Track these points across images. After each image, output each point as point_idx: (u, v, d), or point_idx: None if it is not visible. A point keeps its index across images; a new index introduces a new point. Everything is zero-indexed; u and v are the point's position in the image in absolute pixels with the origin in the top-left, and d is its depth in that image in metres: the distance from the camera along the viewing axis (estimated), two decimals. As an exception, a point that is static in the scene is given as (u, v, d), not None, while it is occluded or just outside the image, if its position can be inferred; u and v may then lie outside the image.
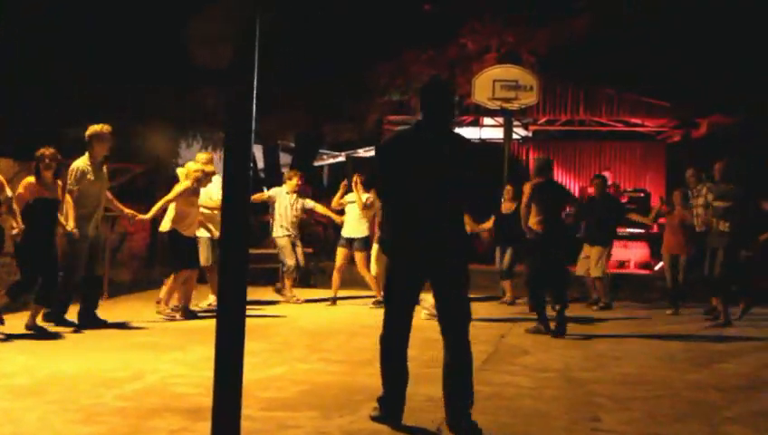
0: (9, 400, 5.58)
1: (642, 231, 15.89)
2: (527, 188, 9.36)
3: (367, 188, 11.60)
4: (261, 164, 19.92)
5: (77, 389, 5.98)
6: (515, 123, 18.50)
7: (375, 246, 11.64)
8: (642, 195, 18.05)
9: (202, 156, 10.74)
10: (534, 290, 9.45)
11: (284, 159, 21.29)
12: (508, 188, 12.51)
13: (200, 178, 9.91)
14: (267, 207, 12.33)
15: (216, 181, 10.47)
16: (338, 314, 10.95)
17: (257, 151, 19.20)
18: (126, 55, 13.18)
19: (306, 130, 18.82)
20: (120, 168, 12.79)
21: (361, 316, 10.61)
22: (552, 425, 5.38)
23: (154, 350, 7.68)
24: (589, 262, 11.96)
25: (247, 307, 3.66)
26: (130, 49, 13.17)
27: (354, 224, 11.71)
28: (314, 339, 8.65)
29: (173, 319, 9.71)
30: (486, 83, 14.76)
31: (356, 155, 22.56)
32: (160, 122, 14.97)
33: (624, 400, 6.14)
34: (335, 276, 11.78)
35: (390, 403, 5.21)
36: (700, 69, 17.00)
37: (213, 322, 3.55)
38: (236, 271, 3.47)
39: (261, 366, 6.79)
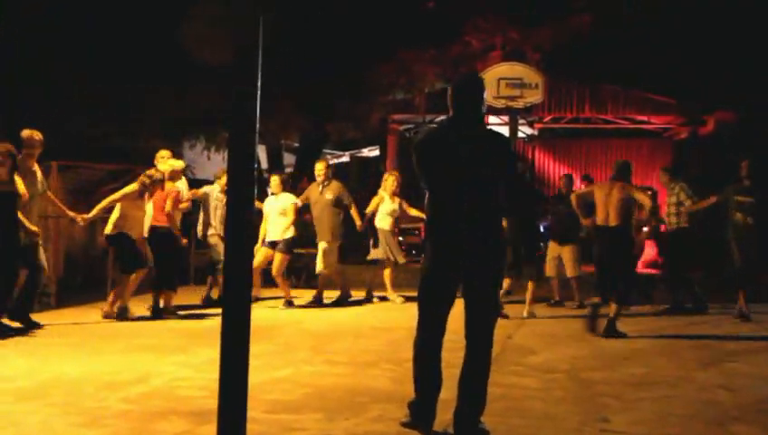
0: (11, 403, 5.54)
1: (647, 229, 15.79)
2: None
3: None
4: (264, 164, 19.87)
5: (80, 392, 5.94)
6: (521, 121, 18.46)
7: (322, 245, 11.64)
8: (650, 193, 17.92)
9: (165, 153, 10.83)
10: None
11: (288, 159, 21.25)
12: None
13: (146, 183, 9.92)
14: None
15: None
16: (342, 315, 10.90)
17: (261, 152, 19.16)
18: (127, 55, 13.15)
19: (309, 130, 18.77)
20: (122, 169, 12.75)
21: (366, 318, 10.58)
22: (561, 427, 5.32)
23: (158, 352, 7.64)
24: (556, 262, 12.02)
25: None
26: (131, 49, 13.13)
27: (276, 226, 11.50)
28: (319, 341, 8.59)
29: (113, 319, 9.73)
30: (491, 81, 14.69)
31: (360, 155, 22.53)
32: (162, 123, 14.94)
33: (633, 400, 6.08)
34: (256, 278, 11.42)
35: (422, 409, 5.09)
36: (707, 65, 16.94)
37: (216, 323, 3.52)
38: (240, 273, 3.43)
39: (265, 368, 6.74)
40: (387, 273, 12.30)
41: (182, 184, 10.97)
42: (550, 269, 12.06)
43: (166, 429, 5.02)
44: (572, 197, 10.47)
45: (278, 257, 11.45)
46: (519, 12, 16.49)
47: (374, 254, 12.47)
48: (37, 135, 9.01)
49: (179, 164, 10.69)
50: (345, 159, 23.15)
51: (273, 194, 11.78)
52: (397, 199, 12.27)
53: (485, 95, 5.24)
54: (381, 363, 7.32)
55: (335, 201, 11.77)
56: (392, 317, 10.60)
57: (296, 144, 20.91)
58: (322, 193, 11.83)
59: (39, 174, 9.15)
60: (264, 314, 10.39)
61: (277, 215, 11.49)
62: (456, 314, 5.11)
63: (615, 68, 17.89)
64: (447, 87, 5.36)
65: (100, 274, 11.89)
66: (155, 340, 8.38)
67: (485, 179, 4.99)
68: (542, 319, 10.53)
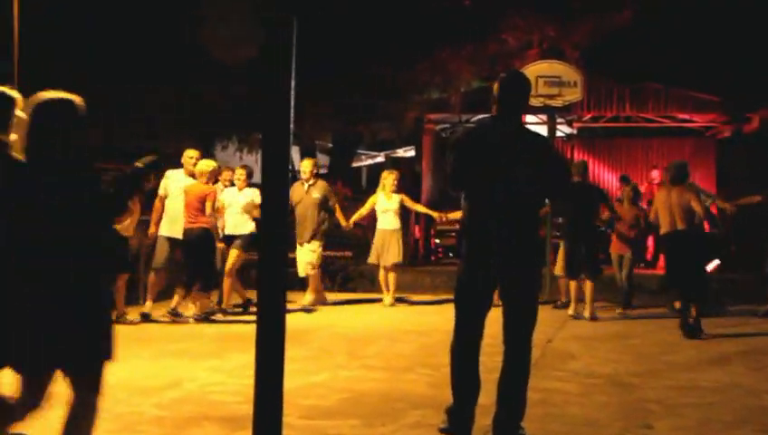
0: (46, 408, 5.49)
1: None
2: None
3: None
4: (298, 165, 19.88)
5: (114, 397, 5.87)
6: (559, 120, 18.20)
7: (307, 247, 11.48)
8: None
9: (194, 153, 10.59)
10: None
11: (322, 159, 21.25)
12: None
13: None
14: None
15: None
16: (376, 319, 10.81)
17: (294, 153, 19.18)
18: (158, 56, 13.17)
19: (343, 131, 18.75)
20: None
21: (402, 322, 10.47)
22: (602, 433, 5.21)
23: (191, 357, 7.60)
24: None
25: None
26: (164, 50, 13.16)
27: (236, 220, 11.00)
28: (354, 345, 8.51)
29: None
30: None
31: (395, 155, 22.45)
32: (193, 124, 14.98)
33: (676, 406, 5.93)
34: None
35: (460, 415, 4.98)
36: (751, 61, 16.65)
37: (249, 328, 3.44)
38: (276, 276, 3.35)
39: (300, 373, 6.63)
40: (381, 275, 12.09)
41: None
42: (560, 269, 11.62)
43: (200, 435, 4.96)
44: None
45: (234, 254, 10.76)
46: (557, 8, 16.30)
47: (370, 258, 12.21)
48: None
49: (214, 165, 10.53)
50: (380, 159, 23.08)
51: (236, 187, 11.26)
52: (396, 197, 12.04)
53: (529, 93, 5.13)
54: (418, 368, 7.22)
55: (321, 201, 11.60)
56: (427, 321, 10.49)
57: (330, 145, 20.90)
58: (308, 192, 11.60)
59: None
60: (298, 318, 10.33)
61: (239, 209, 10.95)
62: (494, 317, 5.01)
63: (656, 65, 17.61)
64: (483, 86, 5.28)
65: (132, 276, 11.77)
66: (187, 345, 8.34)
67: (526, 181, 4.87)
68: (584, 322, 10.35)
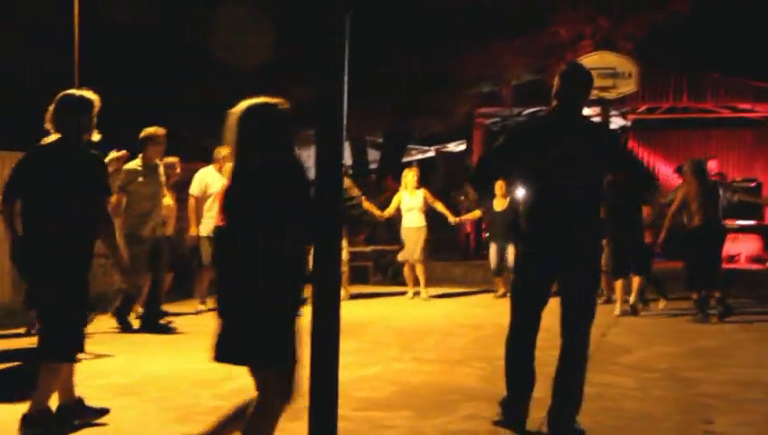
0: (108, 398, 5.63)
1: (754, 223, 15.29)
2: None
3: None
4: (349, 161, 19.94)
5: (173, 388, 6.02)
6: (613, 112, 18.02)
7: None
8: (754, 184, 17.22)
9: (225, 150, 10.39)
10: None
11: (373, 155, 21.28)
12: (500, 183, 12.21)
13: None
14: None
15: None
16: (429, 313, 10.83)
17: (345, 148, 19.26)
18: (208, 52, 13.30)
19: (394, 126, 18.74)
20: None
21: (455, 315, 10.49)
22: (659, 427, 5.17)
23: (247, 349, 7.67)
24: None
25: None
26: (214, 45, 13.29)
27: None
28: (407, 338, 8.55)
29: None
30: (582, 72, 14.39)
31: (445, 149, 22.39)
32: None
33: (738, 401, 5.85)
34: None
35: (514, 407, 5.00)
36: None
37: (303, 322, 3.49)
38: (330, 271, 3.39)
39: (354, 366, 6.68)
40: (406, 270, 12.17)
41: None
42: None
43: (257, 426, 5.02)
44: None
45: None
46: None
47: (400, 255, 12.27)
48: (161, 131, 8.95)
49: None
50: (431, 154, 23.05)
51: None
52: (419, 193, 12.04)
53: (591, 85, 5.10)
54: (471, 361, 7.23)
55: (348, 197, 11.49)
56: (479, 314, 10.50)
57: (380, 140, 20.92)
58: None
59: (161, 169, 9.16)
60: (352, 311, 10.38)
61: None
62: (547, 310, 5.00)
63: (715, 54, 17.26)
64: (535, 78, 5.27)
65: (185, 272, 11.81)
66: (245, 337, 8.42)
67: (588, 173, 4.84)
68: (638, 317, 10.23)
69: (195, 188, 10.17)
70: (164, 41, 13.70)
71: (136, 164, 8.74)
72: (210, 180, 10.10)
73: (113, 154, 6.79)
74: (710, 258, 9.92)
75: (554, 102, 5.05)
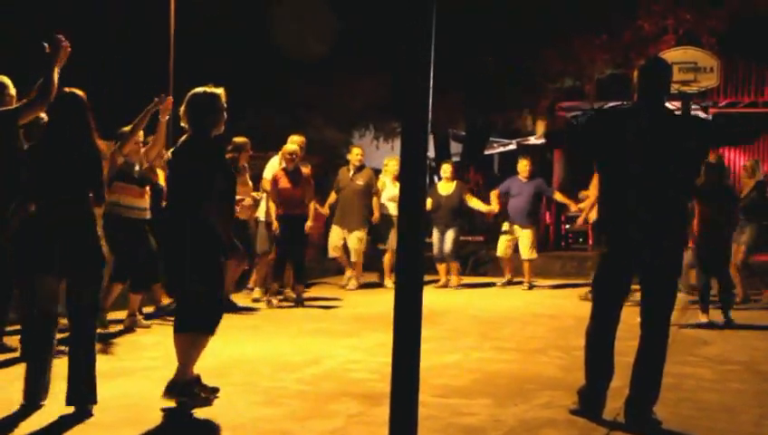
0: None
1: None
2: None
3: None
4: (432, 153, 20.03)
5: (258, 372, 6.23)
6: (693, 106, 17.72)
7: (356, 234, 11.60)
8: None
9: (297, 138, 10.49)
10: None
11: (455, 147, 21.34)
12: (447, 166, 12.28)
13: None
14: None
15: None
16: (508, 302, 10.89)
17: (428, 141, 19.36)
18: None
19: (477, 119, 18.77)
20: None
21: (533, 305, 10.53)
22: (738, 420, 5.16)
23: (329, 336, 7.89)
24: (510, 243, 12.20)
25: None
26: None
27: None
28: (486, 327, 8.64)
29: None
30: (664, 67, 14.20)
31: (527, 142, 22.32)
32: (333, 113, 15.33)
33: (821, 395, 5.79)
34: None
35: (592, 397, 5.06)
36: None
37: (383, 309, 3.62)
38: (413, 260, 3.50)
39: (434, 353, 6.79)
40: (387, 258, 12.10)
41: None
42: (506, 250, 12.27)
43: (339, 409, 5.19)
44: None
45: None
46: None
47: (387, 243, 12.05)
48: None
49: (288, 148, 10.16)
50: (512, 147, 22.99)
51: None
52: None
53: (671, 79, 5.13)
54: (549, 350, 7.30)
55: (365, 188, 11.66)
56: (558, 305, 10.55)
57: (463, 133, 20.97)
58: (353, 179, 11.65)
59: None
60: (431, 299, 10.47)
61: None
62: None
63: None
64: (617, 73, 5.31)
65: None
66: (325, 324, 8.65)
67: (670, 166, 4.88)
68: (716, 310, 10.10)
69: (269, 173, 10.44)
70: (241, 37, 13.99)
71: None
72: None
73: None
74: None
75: (635, 97, 5.10)
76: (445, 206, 11.95)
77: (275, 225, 10.01)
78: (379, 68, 14.18)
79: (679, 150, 4.91)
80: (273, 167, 10.45)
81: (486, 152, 22.51)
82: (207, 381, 5.45)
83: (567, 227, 17.29)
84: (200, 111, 5.25)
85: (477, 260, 14.19)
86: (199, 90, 5.34)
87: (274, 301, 9.96)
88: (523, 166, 12.37)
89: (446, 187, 12.15)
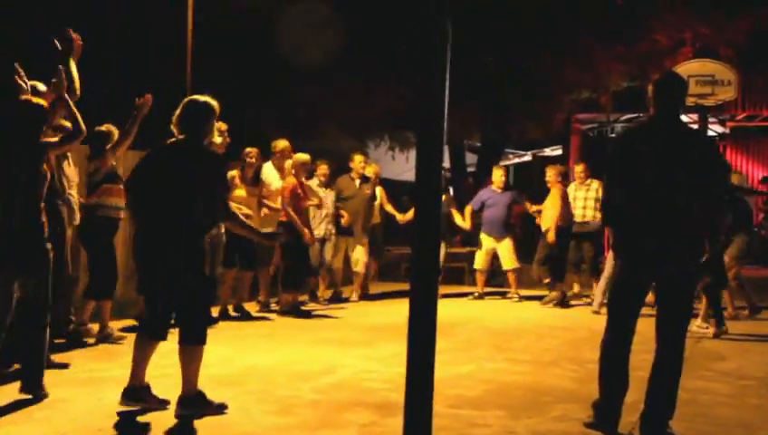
0: (211, 388, 5.85)
1: None
2: None
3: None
4: (447, 163, 20.05)
5: (273, 381, 6.24)
6: (711, 120, 17.69)
7: (361, 243, 11.52)
8: None
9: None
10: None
11: (470, 158, 21.33)
12: None
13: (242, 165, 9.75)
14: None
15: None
16: (523, 314, 10.87)
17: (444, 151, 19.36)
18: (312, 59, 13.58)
19: (491, 130, 18.77)
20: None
21: (548, 317, 10.51)
22: (754, 436, 5.14)
23: (343, 345, 7.89)
24: (487, 256, 12.21)
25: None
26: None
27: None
28: (500, 338, 8.63)
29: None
30: (680, 80, 14.17)
31: (542, 154, 22.33)
32: (348, 122, 15.35)
33: (837, 412, 5.75)
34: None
35: (607, 410, 5.04)
36: None
37: (397, 319, 3.63)
38: (427, 271, 3.50)
39: (447, 364, 6.77)
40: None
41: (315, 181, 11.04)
42: (483, 263, 12.36)
43: (353, 419, 5.19)
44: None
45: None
46: (710, 6, 15.77)
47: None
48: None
49: (300, 157, 10.11)
50: (527, 158, 22.99)
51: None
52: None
53: (686, 94, 5.12)
54: (563, 363, 7.28)
55: (373, 196, 11.60)
56: (572, 316, 10.54)
57: (478, 144, 20.97)
58: (361, 188, 11.50)
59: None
60: (445, 310, 10.48)
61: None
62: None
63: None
64: (633, 85, 5.29)
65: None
66: (339, 333, 8.65)
67: (686, 181, 4.86)
68: (734, 323, 10.04)
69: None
70: (257, 44, 14.04)
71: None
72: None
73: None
74: None
75: (651, 111, 5.09)
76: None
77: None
78: (395, 81, 14.21)
79: (694, 162, 4.89)
80: (274, 174, 10.17)
81: (501, 163, 22.50)
82: (223, 390, 5.47)
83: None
84: (198, 118, 5.33)
85: (493, 271, 14.13)
86: (199, 97, 5.43)
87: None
88: (498, 176, 12.36)
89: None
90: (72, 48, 6.26)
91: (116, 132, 7.52)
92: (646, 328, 5.04)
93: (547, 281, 11.81)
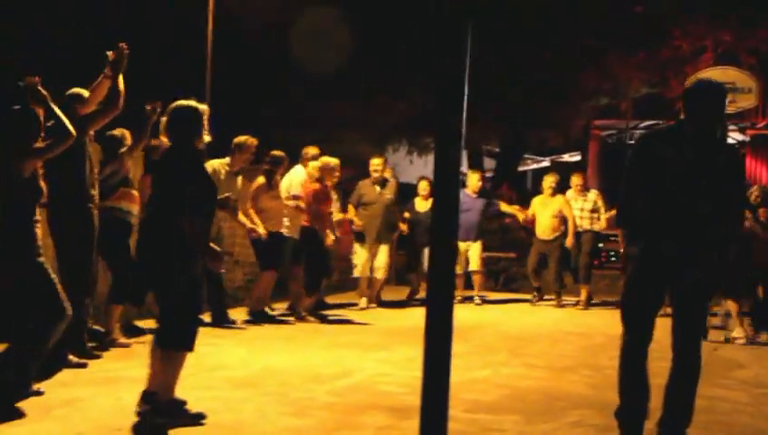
0: (228, 390, 5.92)
1: None
2: None
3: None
4: (465, 169, 20.06)
5: (289, 383, 6.26)
6: (731, 127, 17.61)
7: (384, 249, 11.30)
8: None
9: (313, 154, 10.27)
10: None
11: (488, 163, 21.35)
12: (424, 184, 11.83)
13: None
14: None
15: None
16: (539, 320, 10.86)
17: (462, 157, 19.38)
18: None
19: (510, 136, 18.78)
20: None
21: (564, 323, 10.50)
22: (771, 444, 5.12)
23: (360, 349, 7.91)
24: (461, 259, 11.69)
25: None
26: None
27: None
28: (516, 343, 8.62)
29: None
30: (701, 87, 14.11)
31: (560, 160, 22.30)
32: (367, 128, 15.40)
33: None
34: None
35: (628, 418, 4.97)
36: None
37: (413, 323, 3.63)
38: (445, 275, 3.52)
39: (463, 368, 6.76)
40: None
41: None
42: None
43: (369, 422, 5.21)
44: None
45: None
46: (736, 9, 15.67)
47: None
48: (251, 141, 9.14)
49: (327, 162, 10.08)
50: (546, 163, 22.96)
51: None
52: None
53: (725, 104, 5.01)
54: (579, 369, 7.27)
55: (394, 201, 11.34)
56: (588, 323, 10.50)
57: (497, 149, 20.98)
58: (382, 193, 11.20)
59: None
60: (462, 314, 10.46)
61: None
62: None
63: None
64: (652, 92, 5.25)
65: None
66: (357, 337, 8.68)
67: (710, 188, 4.84)
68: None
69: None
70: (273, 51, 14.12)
71: (220, 164, 9.05)
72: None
73: None
74: None
75: (683, 116, 5.02)
76: (424, 223, 11.28)
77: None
78: (414, 88, 14.26)
79: (718, 171, 4.86)
80: (301, 179, 10.00)
81: (520, 168, 22.50)
82: (240, 391, 5.50)
83: (601, 245, 17.19)
84: (183, 124, 5.20)
85: (508, 277, 14.15)
86: (183, 102, 5.28)
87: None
88: (474, 180, 12.22)
89: (423, 204, 11.74)
90: (122, 61, 6.33)
91: (129, 136, 7.57)
92: (661, 335, 5.03)
93: (537, 286, 12.08)
